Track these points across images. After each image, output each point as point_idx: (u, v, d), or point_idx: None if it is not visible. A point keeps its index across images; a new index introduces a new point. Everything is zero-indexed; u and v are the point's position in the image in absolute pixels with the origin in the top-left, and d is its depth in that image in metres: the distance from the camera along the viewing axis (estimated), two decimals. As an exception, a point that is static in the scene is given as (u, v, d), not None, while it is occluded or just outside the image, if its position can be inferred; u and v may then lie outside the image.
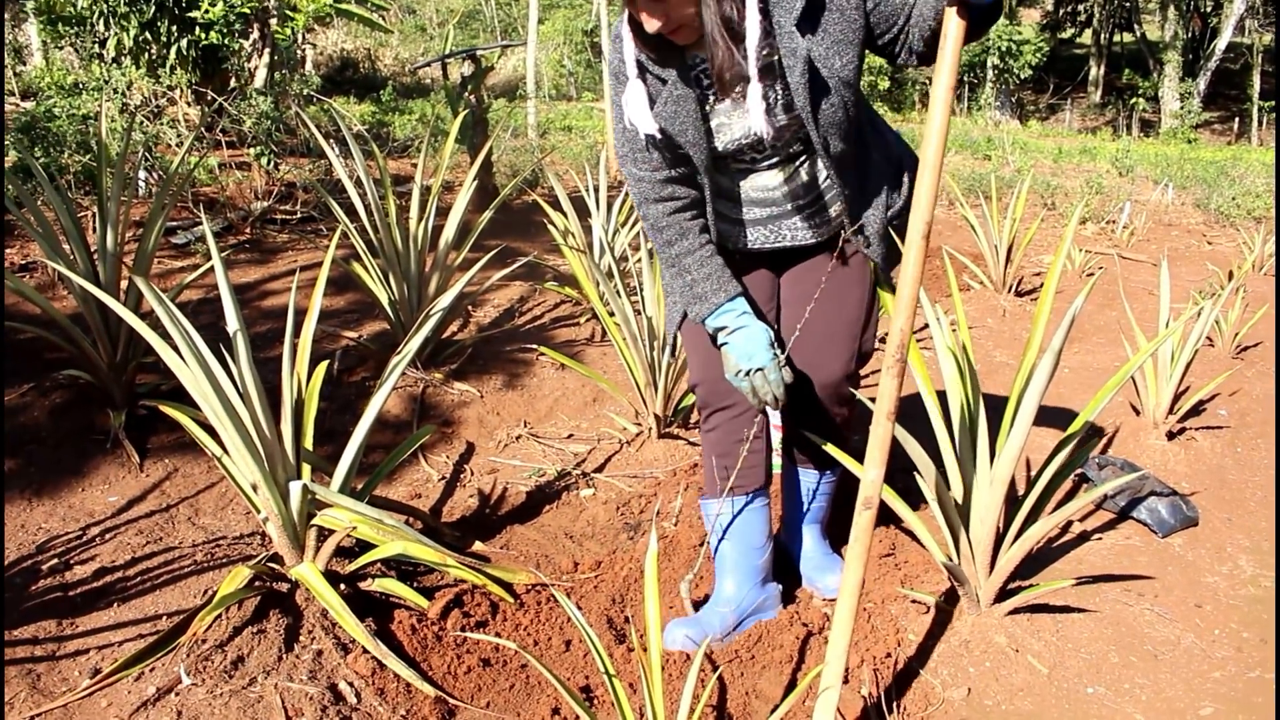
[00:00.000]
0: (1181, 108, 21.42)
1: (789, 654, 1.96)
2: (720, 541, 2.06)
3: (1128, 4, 24.53)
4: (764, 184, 1.88)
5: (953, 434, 2.05)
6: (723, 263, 1.85)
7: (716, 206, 1.88)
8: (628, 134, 1.78)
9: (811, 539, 2.23)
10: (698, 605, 2.10)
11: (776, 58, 1.67)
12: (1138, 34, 24.34)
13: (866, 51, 1.75)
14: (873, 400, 1.62)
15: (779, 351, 1.80)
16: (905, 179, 1.97)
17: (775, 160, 1.85)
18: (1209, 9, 24.36)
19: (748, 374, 1.79)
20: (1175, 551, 2.40)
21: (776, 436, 2.53)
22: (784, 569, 2.29)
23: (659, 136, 1.72)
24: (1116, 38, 27.55)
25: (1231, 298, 4.16)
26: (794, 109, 1.71)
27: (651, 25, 1.58)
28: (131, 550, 2.25)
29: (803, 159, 1.86)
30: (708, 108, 1.76)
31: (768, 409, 1.94)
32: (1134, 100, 21.46)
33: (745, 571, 2.05)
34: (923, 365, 2.12)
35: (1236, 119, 22.82)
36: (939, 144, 1.45)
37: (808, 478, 2.19)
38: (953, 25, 1.44)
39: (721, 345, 1.84)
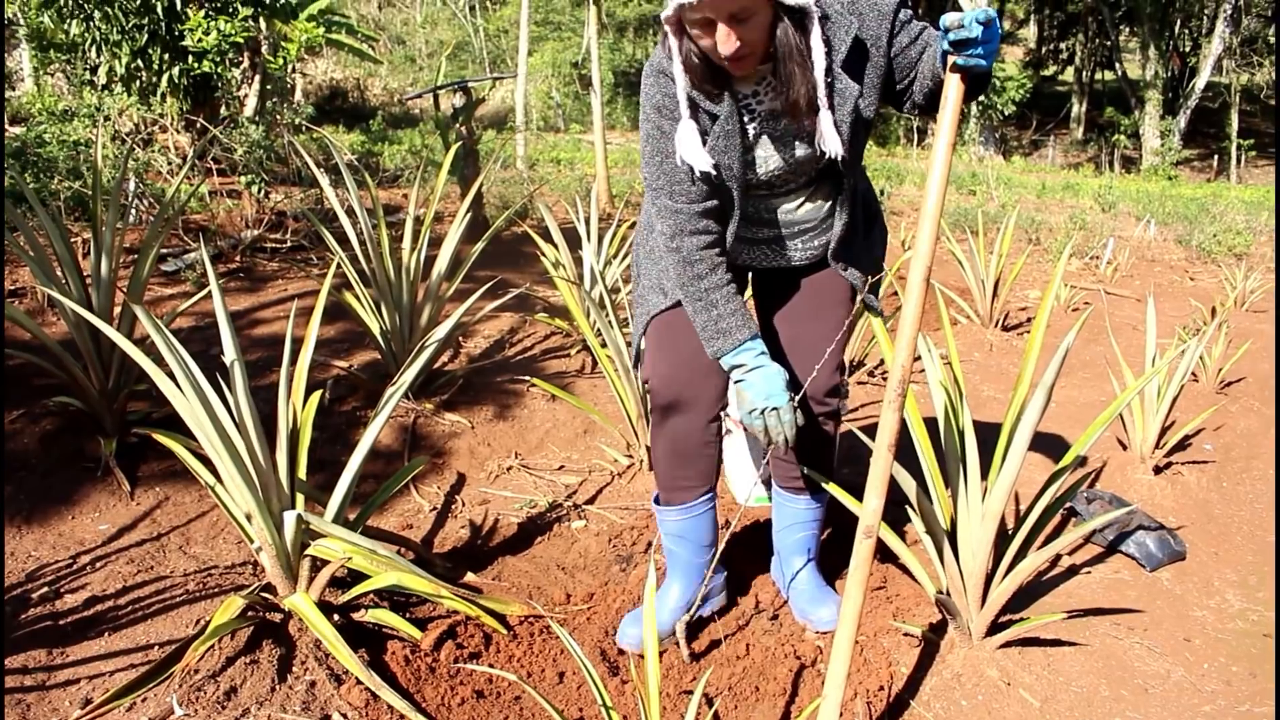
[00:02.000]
0: (1162, 145, 21.75)
1: (783, 687, 1.96)
2: (672, 541, 2.19)
3: (1109, 43, 24.93)
4: (782, 208, 1.96)
5: (944, 468, 2.07)
6: (744, 300, 1.89)
7: (738, 230, 1.94)
8: (665, 167, 1.81)
9: (805, 571, 2.24)
10: (694, 656, 2.10)
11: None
12: (1119, 72, 24.72)
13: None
14: (871, 433, 1.64)
15: (793, 394, 1.83)
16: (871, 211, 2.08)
17: (793, 188, 1.93)
18: (1188, 49, 24.80)
19: (763, 413, 1.81)
20: (1164, 585, 2.42)
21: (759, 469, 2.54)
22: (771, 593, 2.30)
23: (714, 173, 1.76)
24: (1098, 76, 28.00)
25: (1215, 334, 4.22)
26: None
27: (728, 47, 1.58)
28: (122, 579, 2.24)
29: (813, 187, 1.94)
30: (749, 140, 1.81)
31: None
32: (1116, 137, 21.75)
33: (694, 571, 2.18)
34: (912, 400, 2.14)
35: (1215, 157, 23.18)
36: (938, 197, 1.51)
37: (797, 505, 2.21)
38: (953, 89, 1.51)
39: (737, 382, 1.87)
